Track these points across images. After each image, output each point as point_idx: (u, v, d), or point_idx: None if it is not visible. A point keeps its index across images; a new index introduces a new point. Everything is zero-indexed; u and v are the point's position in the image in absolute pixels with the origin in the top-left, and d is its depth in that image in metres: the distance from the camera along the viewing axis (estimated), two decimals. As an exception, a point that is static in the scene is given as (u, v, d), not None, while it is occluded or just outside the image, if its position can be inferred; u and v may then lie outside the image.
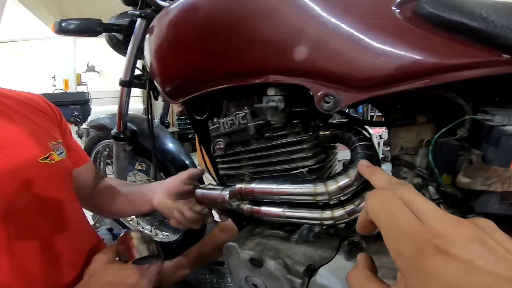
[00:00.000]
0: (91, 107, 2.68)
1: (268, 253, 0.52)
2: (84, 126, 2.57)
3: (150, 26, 0.62)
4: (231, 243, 0.57)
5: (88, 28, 0.86)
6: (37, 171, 0.52)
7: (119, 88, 0.92)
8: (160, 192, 0.67)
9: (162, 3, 0.79)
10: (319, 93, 0.39)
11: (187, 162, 1.01)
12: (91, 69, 5.07)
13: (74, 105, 2.45)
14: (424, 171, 0.43)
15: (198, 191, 0.62)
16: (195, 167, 1.04)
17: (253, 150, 0.52)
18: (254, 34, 0.44)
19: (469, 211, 0.39)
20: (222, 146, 0.56)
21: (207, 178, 0.75)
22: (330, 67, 0.38)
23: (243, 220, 0.69)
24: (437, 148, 0.38)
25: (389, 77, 0.35)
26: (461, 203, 0.41)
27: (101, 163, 1.31)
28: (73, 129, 2.86)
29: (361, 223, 0.27)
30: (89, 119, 2.62)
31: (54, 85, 3.97)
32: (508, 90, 0.40)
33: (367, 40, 0.36)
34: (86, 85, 4.72)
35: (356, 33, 0.37)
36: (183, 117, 3.82)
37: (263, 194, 0.49)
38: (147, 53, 0.64)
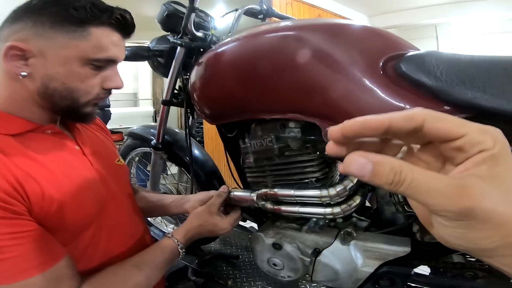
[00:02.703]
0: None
1: (286, 240, 0.72)
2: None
3: (199, 60, 0.78)
4: (257, 232, 0.76)
5: (137, 54, 1.00)
6: (116, 171, 0.72)
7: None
8: (193, 200, 0.84)
9: (197, 33, 0.93)
10: (326, 129, 0.57)
11: (210, 166, 1.20)
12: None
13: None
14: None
15: (232, 193, 0.81)
16: (219, 170, 1.23)
17: (275, 164, 0.72)
18: (281, 84, 0.61)
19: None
20: (251, 160, 0.75)
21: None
22: (333, 112, 0.56)
23: (263, 216, 0.89)
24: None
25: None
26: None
27: (133, 167, 1.51)
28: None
29: None
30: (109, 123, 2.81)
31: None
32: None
33: (356, 96, 0.54)
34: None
35: (350, 89, 0.54)
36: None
37: (284, 196, 0.69)
38: (194, 81, 0.80)
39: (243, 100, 0.69)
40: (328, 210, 0.63)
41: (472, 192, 0.20)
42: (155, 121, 5.14)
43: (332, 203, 0.63)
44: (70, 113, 0.60)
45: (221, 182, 1.21)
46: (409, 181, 0.20)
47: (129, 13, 0.60)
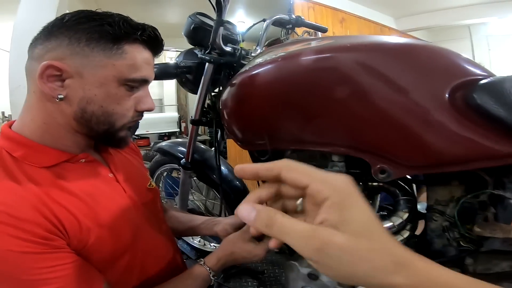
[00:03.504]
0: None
1: (324, 272, 0.67)
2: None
3: (232, 81, 0.72)
4: (292, 261, 0.72)
5: (165, 72, 0.97)
6: (148, 195, 0.72)
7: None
8: (224, 223, 0.83)
9: (226, 48, 0.88)
10: (376, 166, 0.51)
11: (239, 185, 1.18)
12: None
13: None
14: (452, 218, 0.55)
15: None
16: (246, 187, 1.20)
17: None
18: (326, 115, 0.54)
19: (480, 246, 0.51)
20: (287, 188, 0.71)
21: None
22: (389, 150, 0.50)
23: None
24: (462, 208, 0.51)
25: (430, 163, 0.47)
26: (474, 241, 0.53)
27: (161, 182, 1.52)
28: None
29: None
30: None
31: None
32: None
33: (417, 131, 0.47)
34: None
35: (410, 125, 0.46)
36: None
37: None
38: (225, 103, 0.75)
39: (280, 129, 0.63)
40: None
41: (321, 234, 0.23)
42: (179, 126, 5.24)
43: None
44: (106, 138, 0.59)
45: (251, 201, 1.18)
46: (278, 225, 0.25)
47: (158, 31, 0.58)
